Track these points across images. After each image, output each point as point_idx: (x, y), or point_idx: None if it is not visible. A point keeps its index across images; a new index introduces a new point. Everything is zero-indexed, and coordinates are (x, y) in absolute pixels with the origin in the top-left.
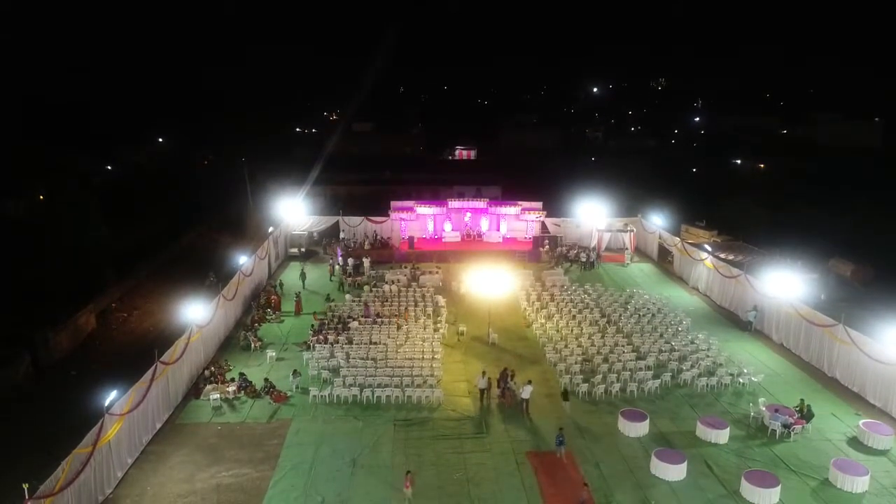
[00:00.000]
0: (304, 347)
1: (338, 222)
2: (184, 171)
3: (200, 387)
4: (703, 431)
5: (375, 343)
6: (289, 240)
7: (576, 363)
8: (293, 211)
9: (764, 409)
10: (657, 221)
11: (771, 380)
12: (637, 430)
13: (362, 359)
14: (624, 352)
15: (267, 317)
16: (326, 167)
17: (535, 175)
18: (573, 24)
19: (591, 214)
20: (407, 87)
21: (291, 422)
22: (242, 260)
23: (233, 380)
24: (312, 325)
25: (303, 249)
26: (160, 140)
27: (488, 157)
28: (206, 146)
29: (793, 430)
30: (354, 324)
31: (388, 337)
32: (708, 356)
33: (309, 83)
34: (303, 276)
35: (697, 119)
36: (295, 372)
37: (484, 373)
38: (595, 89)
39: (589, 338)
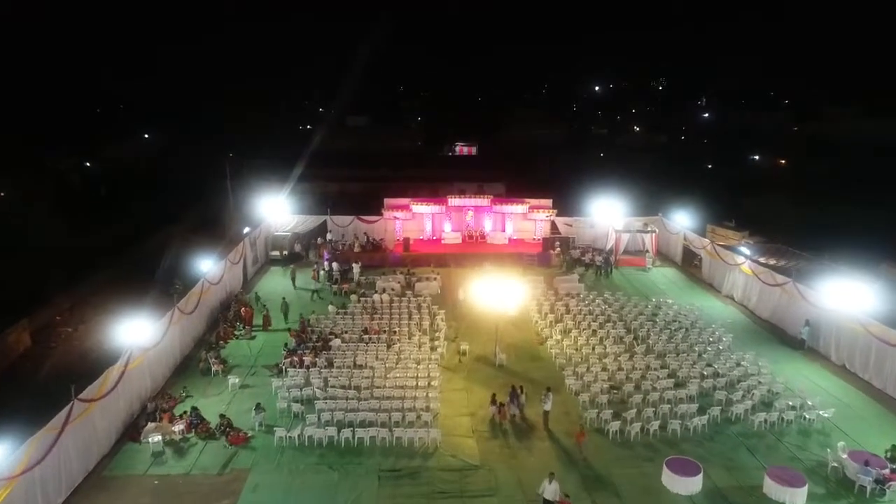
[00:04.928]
0: (274, 371)
1: (325, 222)
2: (167, 168)
3: (141, 425)
4: (772, 488)
5: (360, 366)
6: (270, 242)
7: (602, 392)
8: (276, 210)
9: (845, 456)
10: (682, 221)
11: (842, 414)
12: (687, 485)
13: (343, 387)
14: (659, 377)
15: (236, 332)
16: (317, 163)
17: (541, 172)
18: (574, 25)
19: (607, 213)
20: (406, 85)
21: (250, 473)
22: (207, 266)
23: (183, 414)
24: (286, 344)
25: (285, 252)
26: (146, 136)
27: (490, 153)
28: (194, 142)
29: (888, 487)
30: (336, 342)
31: (377, 358)
32: (760, 383)
33: (303, 76)
34: (284, 307)
35: (706, 115)
36: (258, 406)
37: (552, 475)
38: (597, 88)
39: (615, 359)
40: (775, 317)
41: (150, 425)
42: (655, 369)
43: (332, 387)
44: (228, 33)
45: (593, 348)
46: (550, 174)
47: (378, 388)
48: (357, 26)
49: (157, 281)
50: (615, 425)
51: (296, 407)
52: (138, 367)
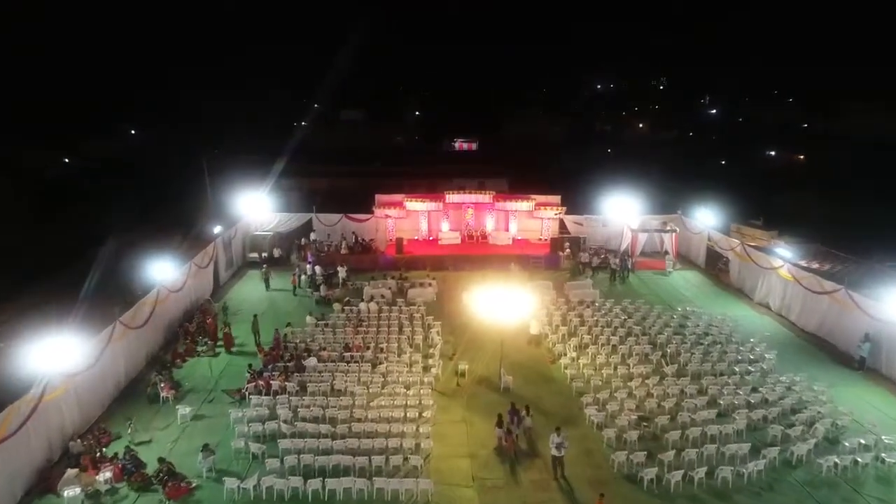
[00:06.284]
0: (236, 398)
1: (310, 220)
2: (149, 164)
3: (59, 471)
4: None
5: (339, 391)
6: (248, 242)
7: (630, 426)
8: (256, 207)
9: None
10: (707, 219)
11: None
12: None
13: (315, 419)
14: (697, 406)
15: (198, 348)
16: (308, 159)
17: (545, 168)
18: (574, 25)
19: (621, 211)
20: (406, 83)
21: None
22: (165, 272)
23: (114, 457)
24: (250, 365)
25: (265, 254)
26: (132, 132)
27: (491, 149)
28: (180, 138)
29: None
30: (312, 361)
31: (359, 382)
32: (820, 413)
33: (299, 72)
34: (255, 326)
35: (713, 111)
36: (206, 448)
37: None
38: (598, 86)
39: (642, 382)
40: (823, 330)
41: (70, 473)
42: (692, 396)
43: (303, 419)
44: (224, 30)
45: (615, 368)
46: (555, 171)
47: (358, 420)
48: (355, 22)
49: (90, 293)
50: (650, 472)
51: (255, 447)
52: (61, 397)
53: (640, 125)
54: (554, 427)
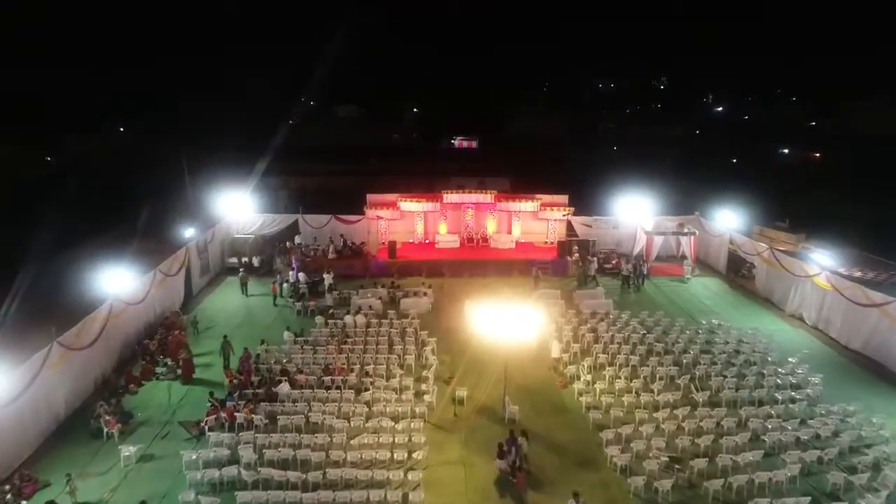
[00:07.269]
0: (196, 432)
1: (297, 222)
2: (138, 163)
3: None
4: None
5: (316, 425)
6: (228, 246)
7: (661, 469)
8: (238, 208)
9: None
10: (728, 221)
11: None
12: None
13: (284, 462)
14: (738, 444)
15: (157, 369)
16: (297, 156)
17: (549, 167)
18: (574, 26)
19: (634, 212)
20: (405, 83)
21: None
22: (121, 282)
23: None
24: (212, 393)
25: (245, 260)
26: (121, 129)
27: (492, 147)
28: (172, 136)
29: None
30: (284, 387)
31: (339, 414)
32: (885, 453)
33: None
34: (225, 348)
35: (720, 109)
36: None
37: None
38: (600, 85)
39: (671, 413)
40: (869, 348)
41: None
42: (731, 431)
43: (269, 462)
44: (222, 28)
45: (637, 395)
46: (559, 170)
47: (335, 464)
48: (354, 21)
49: (12, 312)
50: None
51: (208, 501)
52: None
53: (643, 123)
54: (572, 494)
